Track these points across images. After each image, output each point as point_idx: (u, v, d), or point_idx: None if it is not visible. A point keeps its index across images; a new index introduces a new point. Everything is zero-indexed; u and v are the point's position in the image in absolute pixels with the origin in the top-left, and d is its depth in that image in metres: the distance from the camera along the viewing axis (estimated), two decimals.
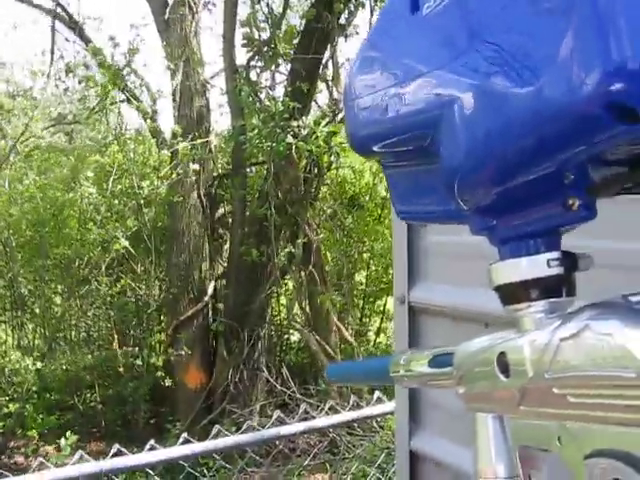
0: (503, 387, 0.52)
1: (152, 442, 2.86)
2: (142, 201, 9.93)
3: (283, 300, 10.38)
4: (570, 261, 0.50)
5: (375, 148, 0.61)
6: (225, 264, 9.54)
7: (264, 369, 8.64)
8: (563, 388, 0.45)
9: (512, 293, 0.51)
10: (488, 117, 0.47)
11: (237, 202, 9.07)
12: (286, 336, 10.48)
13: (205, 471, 6.81)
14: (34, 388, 9.49)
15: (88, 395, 9.86)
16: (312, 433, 6.23)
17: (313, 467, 6.75)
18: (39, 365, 9.82)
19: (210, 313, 9.37)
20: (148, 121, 9.99)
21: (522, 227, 0.51)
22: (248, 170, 9.49)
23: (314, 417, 3.39)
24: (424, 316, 1.83)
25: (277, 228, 8.33)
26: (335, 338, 8.95)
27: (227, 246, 9.64)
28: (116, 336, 10.30)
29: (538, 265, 0.49)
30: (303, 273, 8.97)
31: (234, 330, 8.70)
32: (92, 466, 2.73)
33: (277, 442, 7.26)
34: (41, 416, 9.06)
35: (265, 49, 8.75)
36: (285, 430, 3.27)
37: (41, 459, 2.95)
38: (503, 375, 0.52)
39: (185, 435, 2.97)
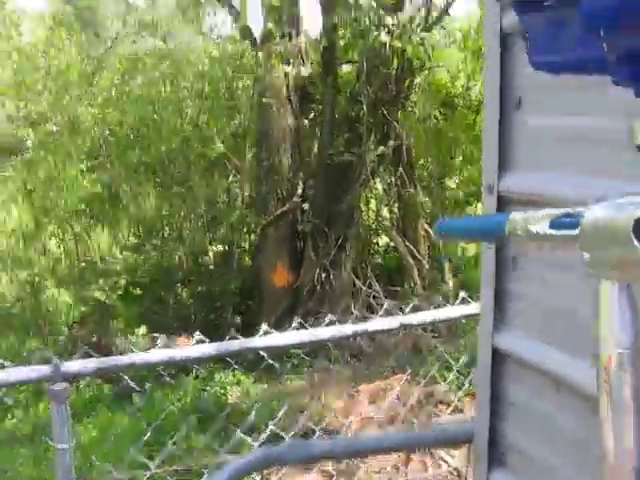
0: (638, 255, 0.48)
1: (233, 332, 2.88)
2: (236, 102, 9.90)
3: (373, 203, 10.28)
4: None
5: None
6: (315, 165, 9.48)
7: (350, 271, 8.66)
8: None
9: None
10: None
11: (328, 102, 8.90)
12: (374, 239, 10.44)
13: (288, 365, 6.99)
14: (124, 280, 9.80)
15: (179, 291, 10.15)
16: (395, 332, 6.25)
17: (395, 367, 6.80)
18: (132, 259, 10.17)
19: (299, 214, 9.39)
20: (240, 22, 9.86)
21: None
22: (339, 69, 9.27)
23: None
24: (514, 207, 1.72)
25: (368, 128, 8.17)
26: (423, 242, 8.86)
27: (317, 146, 9.54)
28: (208, 234, 10.51)
29: None
30: (393, 175, 8.83)
31: (322, 231, 8.71)
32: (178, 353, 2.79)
33: (358, 340, 7.37)
34: (128, 312, 9.38)
35: None
36: (371, 326, 3.25)
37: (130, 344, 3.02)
38: (638, 241, 0.47)
39: (266, 327, 2.98)
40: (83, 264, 10.59)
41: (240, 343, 2.80)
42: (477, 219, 0.79)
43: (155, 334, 7.70)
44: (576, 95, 1.49)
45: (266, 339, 2.84)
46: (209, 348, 2.77)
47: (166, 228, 11.18)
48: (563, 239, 0.59)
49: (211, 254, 10.47)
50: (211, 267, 10.30)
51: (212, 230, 10.68)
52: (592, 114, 1.46)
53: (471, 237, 0.81)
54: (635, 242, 0.47)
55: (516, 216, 0.66)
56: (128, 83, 11.05)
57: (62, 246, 11.09)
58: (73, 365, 2.58)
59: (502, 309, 1.86)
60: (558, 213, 0.60)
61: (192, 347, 2.79)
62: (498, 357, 1.89)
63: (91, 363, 2.64)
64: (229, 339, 2.86)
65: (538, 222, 0.62)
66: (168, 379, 5.81)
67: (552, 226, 0.60)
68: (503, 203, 1.74)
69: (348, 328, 3.03)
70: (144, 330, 8.08)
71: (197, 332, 2.93)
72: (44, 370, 2.52)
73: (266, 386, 7.19)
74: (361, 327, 3.19)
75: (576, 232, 0.56)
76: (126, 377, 2.92)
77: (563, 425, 1.62)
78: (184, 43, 11.80)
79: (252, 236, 10.69)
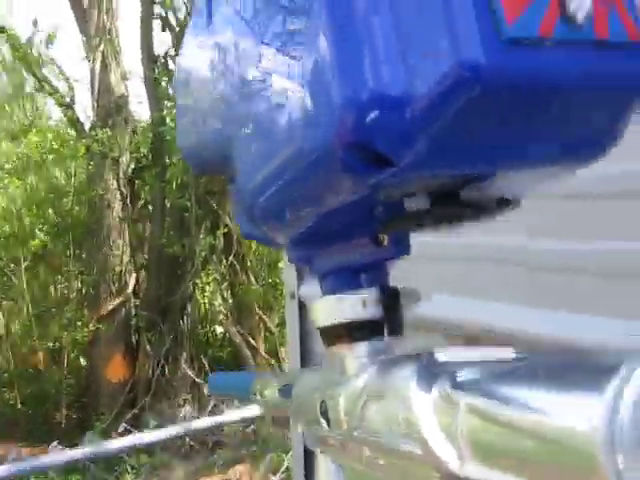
0: (327, 435, 0.49)
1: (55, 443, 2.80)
2: (61, 193, 9.67)
3: (207, 292, 10.28)
4: (391, 299, 0.46)
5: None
6: (146, 256, 9.40)
7: (184, 363, 8.56)
8: (367, 447, 0.44)
9: (332, 333, 0.48)
10: (257, 139, 0.45)
11: (157, 193, 8.93)
12: (210, 328, 10.38)
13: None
14: None
15: (5, 395, 9.56)
16: (233, 424, 6.22)
17: (234, 459, 6.73)
18: None
19: (132, 306, 9.23)
20: (65, 110, 9.74)
21: (337, 262, 0.48)
22: (168, 161, 9.35)
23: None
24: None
25: (198, 219, 8.24)
26: (259, 329, 8.92)
27: (148, 238, 9.48)
28: (36, 331, 10.04)
29: (354, 304, 0.46)
30: (225, 264, 8.90)
31: (156, 324, 8.59)
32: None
33: (203, 434, 7.25)
34: None
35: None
36: (202, 423, 3.26)
37: None
38: (326, 422, 0.49)
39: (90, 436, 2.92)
40: None
41: (61, 456, 2.71)
42: (242, 375, 0.74)
43: None
44: None
45: (88, 449, 2.77)
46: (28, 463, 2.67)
47: None
48: (284, 407, 0.59)
49: (40, 353, 9.99)
50: (40, 367, 9.80)
51: (41, 327, 10.21)
52: None
53: (236, 396, 0.79)
54: (322, 423, 0.48)
55: (258, 380, 0.67)
56: None
57: None
58: None
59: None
60: (283, 382, 0.60)
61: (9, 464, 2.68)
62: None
63: None
64: (51, 448, 2.77)
65: (272, 387, 0.62)
66: None
67: (280, 393, 0.60)
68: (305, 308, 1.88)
69: (172, 429, 3.02)
70: None
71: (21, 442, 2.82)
72: None
73: None
74: (194, 425, 3.20)
75: (290, 401, 0.57)
76: None
77: None
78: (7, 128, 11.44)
79: (84, 331, 10.32)
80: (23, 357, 9.82)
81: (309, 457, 1.97)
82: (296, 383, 0.56)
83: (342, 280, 0.48)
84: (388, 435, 0.40)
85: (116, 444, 2.83)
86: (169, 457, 7.12)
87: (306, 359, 1.94)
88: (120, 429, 3.04)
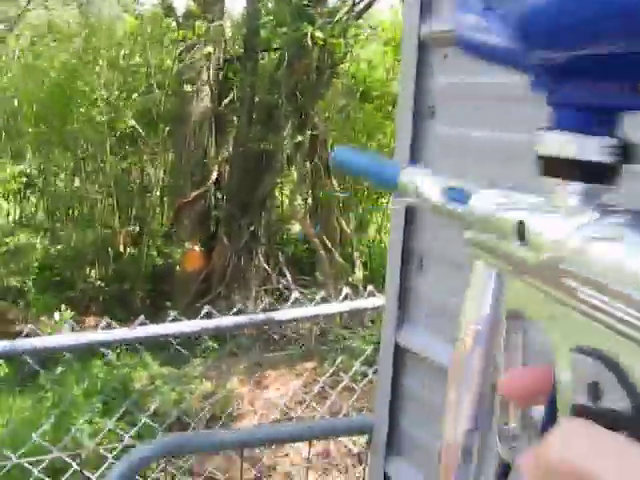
0: (514, 250, 0.49)
1: (142, 318, 2.87)
2: (153, 81, 9.72)
3: (287, 191, 10.33)
4: (623, 150, 0.45)
5: None
6: (231, 150, 9.45)
7: (261, 257, 8.70)
8: (575, 281, 0.42)
9: (553, 166, 0.47)
10: None
11: (247, 88, 8.88)
12: (287, 227, 10.49)
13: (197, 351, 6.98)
14: (35, 264, 9.56)
15: (88, 272, 9.96)
16: (303, 321, 6.33)
17: (302, 355, 6.89)
18: (40, 241, 9.89)
19: (213, 198, 9.36)
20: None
21: (584, 98, 0.46)
22: (260, 56, 9.25)
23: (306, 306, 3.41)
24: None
25: (286, 117, 8.19)
26: (335, 232, 8.96)
27: (234, 132, 9.51)
28: (118, 215, 10.33)
29: (588, 146, 0.45)
30: (309, 164, 8.89)
31: (235, 217, 8.70)
32: (83, 337, 2.76)
33: (267, 328, 7.42)
34: (38, 294, 9.15)
35: None
36: (279, 315, 3.29)
37: (32, 327, 2.96)
38: (519, 241, 0.48)
39: (175, 314, 2.99)
40: None
41: (147, 330, 2.79)
42: (374, 161, 0.74)
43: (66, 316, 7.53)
44: (491, 108, 1.57)
45: (174, 326, 2.84)
46: (119, 333, 2.76)
47: (77, 207, 10.94)
48: (449, 211, 0.59)
49: (122, 235, 10.31)
50: (121, 249, 10.14)
51: (124, 210, 10.51)
52: (506, 128, 1.53)
53: (364, 176, 0.77)
54: (515, 239, 0.48)
55: (408, 172, 0.66)
56: (39, 50, 10.70)
57: None
58: None
59: (405, 306, 1.94)
60: (454, 185, 0.60)
61: (100, 332, 2.77)
62: (400, 352, 1.97)
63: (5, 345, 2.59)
64: (139, 325, 2.85)
65: (432, 186, 0.62)
66: (74, 363, 5.73)
67: (443, 195, 0.60)
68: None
69: (257, 317, 3.07)
70: (57, 315, 7.88)
71: (105, 316, 2.92)
72: None
73: (173, 370, 7.17)
74: (269, 316, 3.24)
75: (463, 208, 0.57)
76: (30, 360, 2.87)
77: None
78: (102, 13, 11.48)
79: (165, 218, 10.58)
80: (105, 237, 10.15)
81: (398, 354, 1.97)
82: (476, 194, 0.56)
83: (578, 118, 0.46)
84: (609, 278, 0.39)
85: (197, 324, 2.89)
86: (238, 345, 7.34)
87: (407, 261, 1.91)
88: (203, 311, 3.09)
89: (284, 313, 3.29)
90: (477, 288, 0.55)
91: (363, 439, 3.79)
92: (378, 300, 3.24)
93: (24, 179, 10.70)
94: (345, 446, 5.34)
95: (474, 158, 1.64)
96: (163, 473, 2.46)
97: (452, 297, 1.68)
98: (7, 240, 9.99)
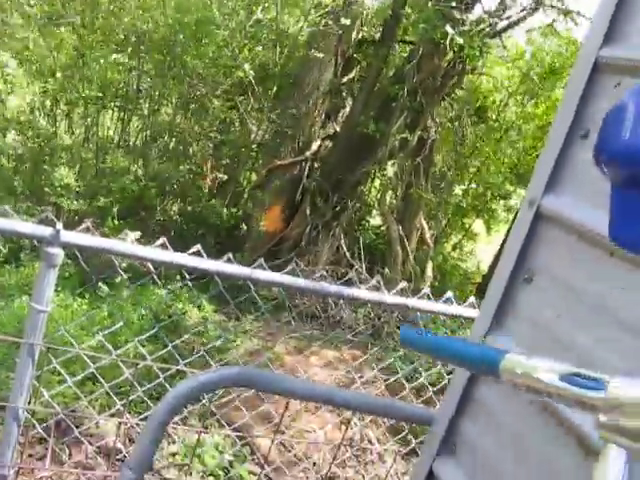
0: None
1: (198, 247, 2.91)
2: (281, 38, 9.79)
3: (382, 182, 10.31)
4: None
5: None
6: (337, 127, 9.48)
7: (338, 238, 8.73)
8: None
9: None
10: None
11: (373, 71, 8.88)
12: (369, 217, 10.50)
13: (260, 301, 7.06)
14: (124, 187, 9.76)
15: (168, 204, 10.15)
16: (375, 307, 6.34)
17: (353, 343, 6.91)
18: (133, 166, 10.13)
19: (307, 169, 9.41)
20: None
21: None
22: (394, 44, 9.23)
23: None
24: (546, 225, 1.78)
25: (401, 110, 8.17)
26: (415, 235, 8.93)
27: (345, 110, 9.53)
28: (211, 160, 10.50)
29: None
30: (409, 162, 8.86)
31: (324, 192, 8.75)
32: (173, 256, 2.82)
33: (324, 307, 7.46)
34: (119, 217, 9.36)
35: None
36: (349, 292, 3.28)
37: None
38: None
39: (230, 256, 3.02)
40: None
41: (217, 265, 2.83)
42: (455, 343, 0.77)
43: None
44: None
45: (247, 270, 2.86)
46: (206, 263, 2.82)
47: (173, 139, 11.13)
48: (574, 395, 0.61)
49: (209, 179, 10.47)
50: (206, 190, 10.31)
51: (217, 157, 10.66)
52: None
53: (448, 360, 0.79)
54: None
55: (514, 357, 0.69)
56: None
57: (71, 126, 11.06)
58: (74, 236, 2.59)
59: (501, 314, 1.93)
60: (566, 370, 0.62)
61: (189, 256, 2.84)
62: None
63: (91, 240, 2.65)
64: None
65: (544, 371, 0.65)
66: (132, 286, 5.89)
67: (564, 380, 0.62)
68: (538, 218, 1.81)
69: (329, 287, 3.07)
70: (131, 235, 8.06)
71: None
72: (47, 231, 2.54)
73: (225, 318, 7.29)
74: (338, 289, 3.23)
75: (596, 394, 0.58)
76: (116, 262, 2.96)
77: (517, 430, 1.71)
78: None
79: (254, 175, 10.70)
80: (195, 178, 10.32)
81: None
82: (613, 383, 0.58)
83: None
84: None
85: (271, 276, 2.92)
86: (294, 316, 7.41)
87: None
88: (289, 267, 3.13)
89: (358, 292, 3.28)
90: (607, 473, 0.56)
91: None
92: (454, 309, 3.23)
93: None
94: (370, 441, 5.35)
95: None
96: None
97: (556, 316, 1.67)
98: (108, 158, 10.29)
